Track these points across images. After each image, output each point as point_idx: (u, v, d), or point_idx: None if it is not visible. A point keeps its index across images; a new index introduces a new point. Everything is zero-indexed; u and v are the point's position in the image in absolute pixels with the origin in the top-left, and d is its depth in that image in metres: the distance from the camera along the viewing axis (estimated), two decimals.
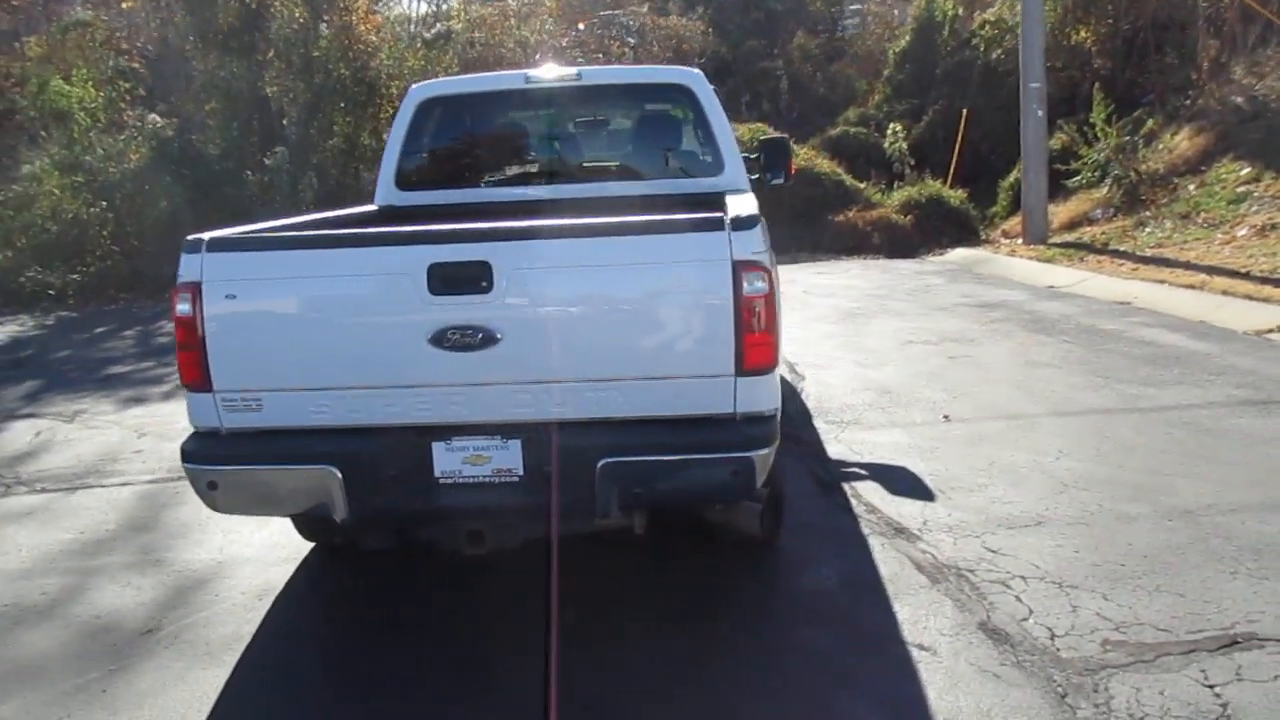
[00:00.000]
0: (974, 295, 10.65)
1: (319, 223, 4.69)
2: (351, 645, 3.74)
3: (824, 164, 16.25)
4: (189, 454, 3.35)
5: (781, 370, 7.29)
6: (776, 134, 8.21)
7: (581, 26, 19.25)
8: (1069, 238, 13.47)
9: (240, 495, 3.38)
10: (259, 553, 4.49)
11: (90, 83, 15.36)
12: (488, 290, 3.19)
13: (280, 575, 4.26)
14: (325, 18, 17.13)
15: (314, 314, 3.32)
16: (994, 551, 4.17)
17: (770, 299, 3.21)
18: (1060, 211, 14.33)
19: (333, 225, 4.77)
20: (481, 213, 5.00)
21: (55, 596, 4.18)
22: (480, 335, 3.20)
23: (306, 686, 3.45)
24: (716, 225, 3.16)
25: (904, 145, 16.90)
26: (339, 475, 3.23)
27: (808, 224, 15.45)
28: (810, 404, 6.61)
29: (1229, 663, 3.24)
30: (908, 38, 20.94)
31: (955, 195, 15.63)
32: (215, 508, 3.42)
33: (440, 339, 3.21)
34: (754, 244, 3.18)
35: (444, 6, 21.60)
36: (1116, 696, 3.09)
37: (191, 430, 3.44)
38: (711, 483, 3.20)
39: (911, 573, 4.03)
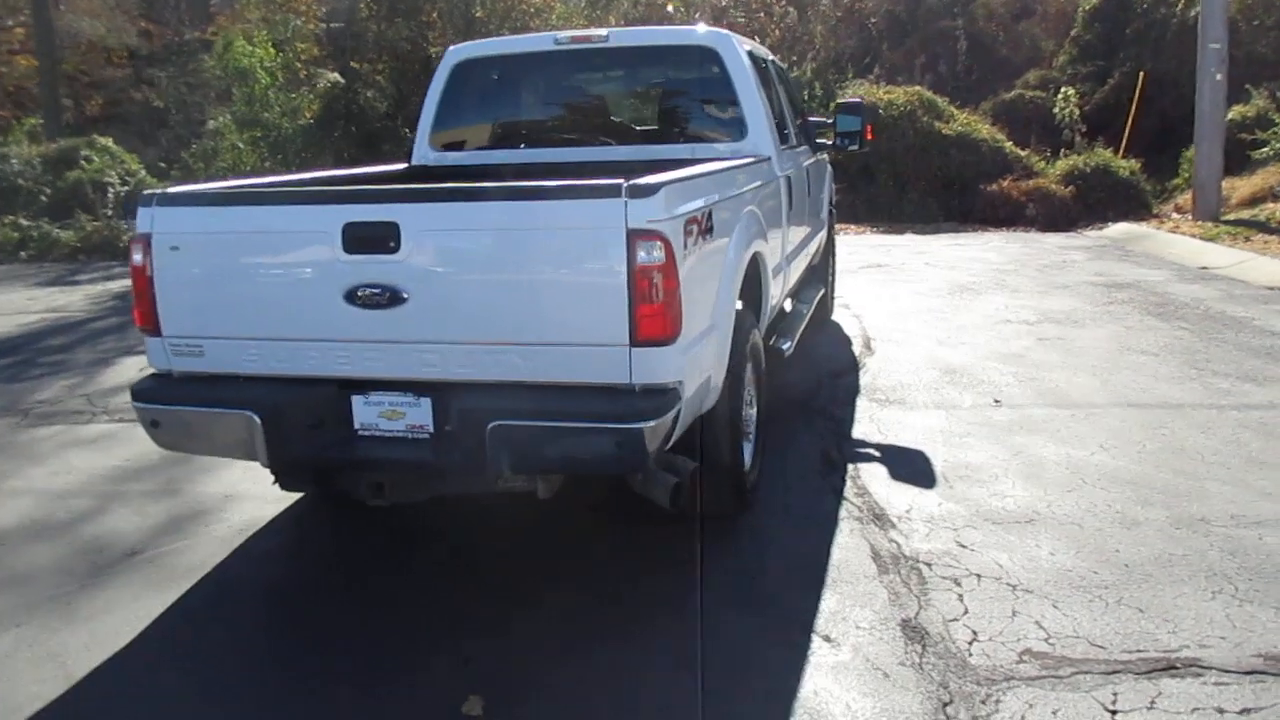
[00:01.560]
0: (1108, 274, 9.91)
1: (337, 179, 4.90)
2: (300, 587, 3.91)
3: (983, 129, 15.39)
4: (136, 393, 3.60)
5: (855, 344, 7.11)
6: (855, 99, 7.83)
7: None
8: (1245, 215, 12.28)
9: (179, 434, 3.61)
10: (264, 490, 4.74)
11: (270, 43, 16.38)
12: (395, 250, 3.25)
13: (272, 512, 4.51)
14: None
15: (245, 267, 3.48)
16: (963, 546, 3.93)
17: (669, 269, 3.11)
18: (1241, 186, 13.08)
19: (355, 182, 4.97)
20: (502, 174, 5.10)
21: (76, 517, 4.59)
22: (388, 294, 3.28)
23: (235, 620, 3.66)
24: (613, 192, 3.10)
25: (1075, 111, 15.78)
26: (259, 422, 3.39)
27: (959, 192, 14.75)
28: (865, 379, 6.37)
29: (1150, 689, 2.96)
30: None
31: (1125, 165, 14.49)
32: (160, 445, 3.68)
33: (352, 296, 3.31)
34: (651, 212, 3.09)
35: None
36: (1002, 712, 2.87)
37: (150, 370, 3.70)
38: (596, 452, 3.15)
39: (864, 561, 3.85)
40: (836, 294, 8.91)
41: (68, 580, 3.93)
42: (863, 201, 14.97)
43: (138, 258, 3.54)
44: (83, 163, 16.72)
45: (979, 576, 3.69)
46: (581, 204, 3.16)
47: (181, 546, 4.21)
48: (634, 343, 3.15)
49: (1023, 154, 15.15)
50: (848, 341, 7.42)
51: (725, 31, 5.16)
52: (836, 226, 14.12)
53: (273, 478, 3.83)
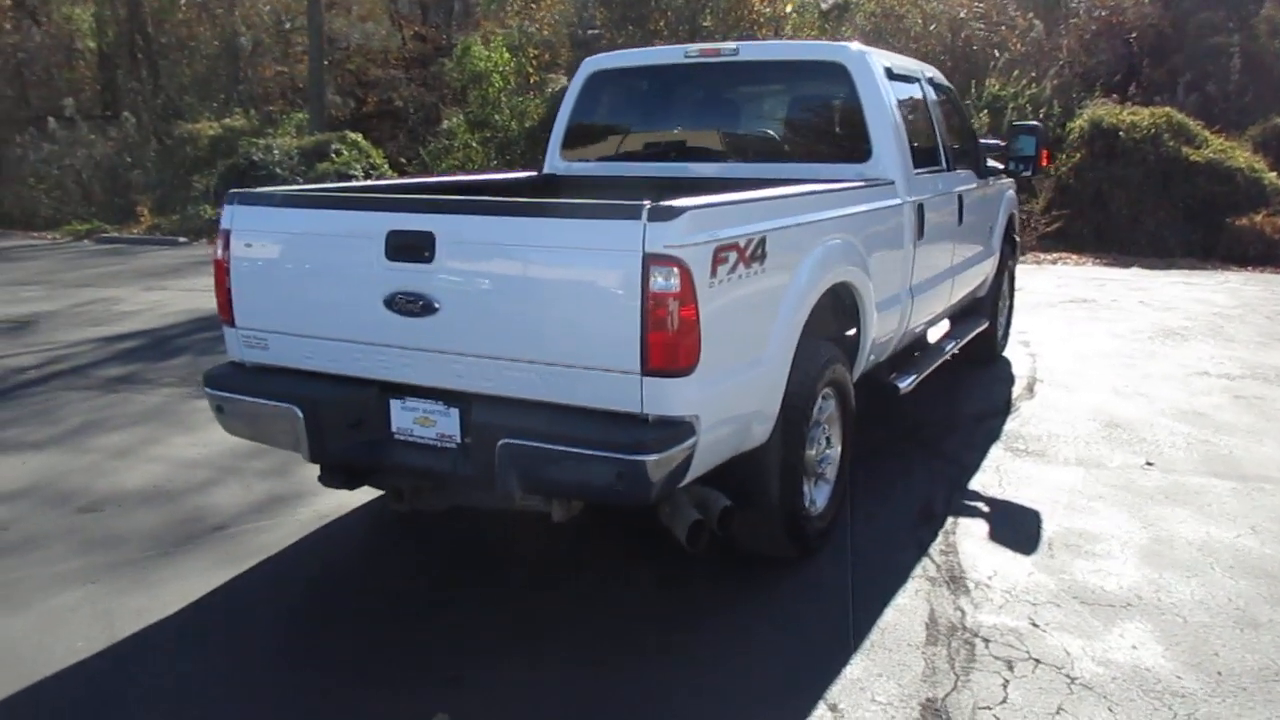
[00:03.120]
0: None
1: (466, 185, 5.03)
2: (344, 580, 4.01)
3: (1241, 157, 13.84)
4: (208, 379, 3.82)
5: (1016, 386, 6.59)
6: (1031, 122, 7.26)
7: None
8: None
9: (239, 422, 3.79)
10: None
11: (504, 48, 17.15)
12: (430, 260, 3.27)
13: (357, 501, 4.67)
14: None
15: (303, 266, 3.62)
16: (1035, 625, 3.52)
17: (685, 297, 2.96)
18: None
19: (486, 189, 5.08)
20: (624, 187, 5.08)
21: (191, 486, 4.94)
22: (421, 303, 3.31)
23: (272, 604, 3.80)
24: (633, 214, 2.98)
25: None
26: (301, 416, 3.51)
27: (1204, 227, 13.34)
28: (1010, 425, 5.86)
29: None
30: None
31: None
32: (226, 430, 3.88)
33: (391, 302, 3.36)
34: (670, 236, 2.95)
35: None
36: None
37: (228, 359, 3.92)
38: (598, 481, 3.04)
39: (915, 627, 3.53)
40: (1021, 329, 8.29)
41: (154, 546, 4.23)
42: (1090, 230, 13.86)
43: (219, 252, 3.75)
44: (333, 155, 18.13)
45: (1037, 662, 3.29)
46: (602, 224, 3.07)
47: (264, 526, 4.44)
48: (645, 371, 3.01)
49: None
50: (1009, 381, 6.87)
51: (859, 47, 4.87)
52: (1053, 256, 13.27)
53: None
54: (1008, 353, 7.65)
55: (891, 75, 5.02)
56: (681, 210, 2.98)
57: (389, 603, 3.77)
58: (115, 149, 19.44)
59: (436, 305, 3.28)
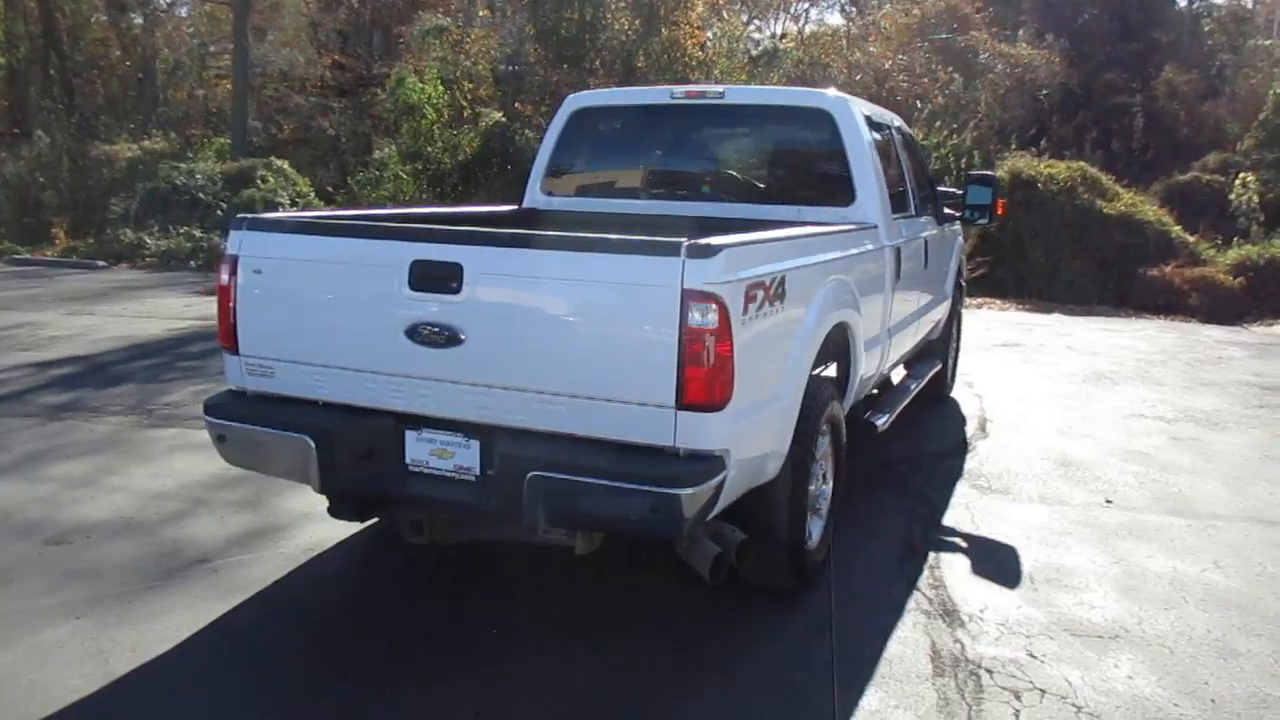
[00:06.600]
0: (1267, 374, 9.17)
1: (448, 217, 5.01)
2: (339, 616, 3.93)
3: (1149, 211, 14.59)
4: (208, 408, 3.73)
5: (969, 425, 6.79)
6: (986, 172, 7.57)
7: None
8: None
9: (242, 452, 3.71)
10: None
11: (439, 81, 17.12)
12: (457, 291, 3.27)
13: (340, 535, 4.57)
14: (657, 33, 17.86)
15: (318, 295, 3.57)
16: (1033, 656, 3.64)
17: (722, 333, 3.02)
18: None
19: (464, 221, 5.07)
20: (607, 223, 5.12)
21: (162, 519, 4.78)
22: (446, 334, 3.30)
23: (270, 641, 3.70)
24: (671, 251, 3.03)
25: (1254, 198, 14.79)
26: (313, 446, 3.45)
27: (1117, 275, 13.99)
28: (970, 463, 6.05)
29: None
30: None
31: None
32: (226, 460, 3.79)
33: (414, 332, 3.34)
34: (708, 274, 3.01)
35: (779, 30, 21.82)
36: None
37: (226, 387, 3.83)
38: (632, 514, 3.06)
39: (921, 659, 3.61)
40: (962, 371, 8.56)
41: (136, 579, 4.09)
42: (1012, 277, 14.40)
43: (224, 278, 3.68)
44: (259, 182, 17.78)
45: (1042, 692, 3.40)
46: (640, 260, 3.11)
47: (248, 560, 4.32)
48: (680, 405, 3.06)
49: (1190, 239, 14.29)
50: (962, 421, 7.09)
51: (842, 95, 5.04)
52: (978, 301, 13.74)
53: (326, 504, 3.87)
54: (954, 394, 7.90)
55: (870, 123, 5.20)
56: (719, 248, 3.05)
57: (386, 636, 3.70)
58: (27, 168, 18.72)
59: (463, 336, 3.28)
